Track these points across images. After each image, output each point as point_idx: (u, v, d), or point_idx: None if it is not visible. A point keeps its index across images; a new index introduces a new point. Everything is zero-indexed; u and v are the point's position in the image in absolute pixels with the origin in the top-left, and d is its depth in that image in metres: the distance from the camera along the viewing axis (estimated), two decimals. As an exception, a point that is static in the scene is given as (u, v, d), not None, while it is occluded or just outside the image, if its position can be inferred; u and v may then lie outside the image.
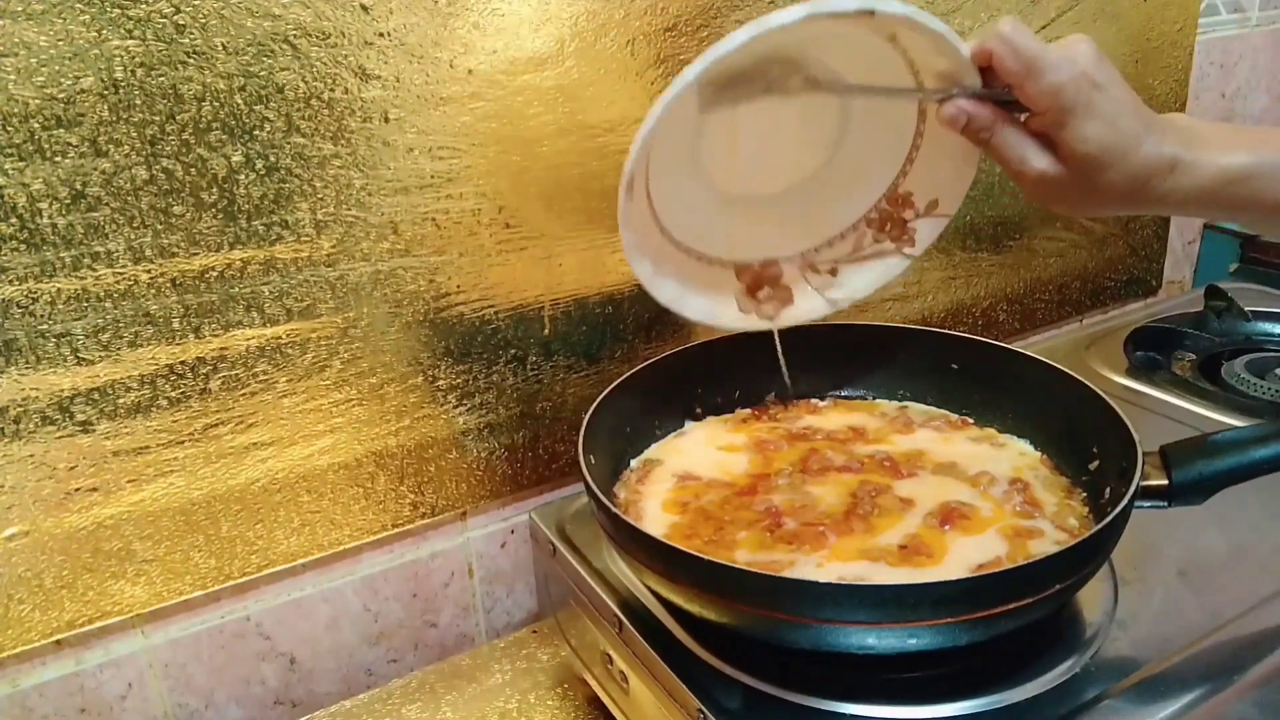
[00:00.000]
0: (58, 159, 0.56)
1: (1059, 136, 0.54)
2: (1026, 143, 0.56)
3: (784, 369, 0.74)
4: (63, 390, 0.60)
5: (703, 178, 0.68)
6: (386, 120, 0.65)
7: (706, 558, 0.54)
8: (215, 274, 0.62)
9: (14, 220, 0.56)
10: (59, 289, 0.58)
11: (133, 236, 0.59)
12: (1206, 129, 0.57)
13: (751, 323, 0.70)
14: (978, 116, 0.56)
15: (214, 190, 0.61)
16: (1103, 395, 0.65)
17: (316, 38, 0.61)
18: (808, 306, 0.71)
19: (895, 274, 0.70)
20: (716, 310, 0.69)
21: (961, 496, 0.65)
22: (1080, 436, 0.66)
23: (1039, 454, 0.70)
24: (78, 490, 0.62)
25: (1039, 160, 0.55)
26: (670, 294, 0.66)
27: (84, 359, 0.60)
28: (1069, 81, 0.52)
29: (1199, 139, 0.55)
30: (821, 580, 0.56)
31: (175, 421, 0.64)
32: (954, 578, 0.54)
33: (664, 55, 0.74)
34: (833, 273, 0.71)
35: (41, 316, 0.58)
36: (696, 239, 0.69)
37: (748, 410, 0.78)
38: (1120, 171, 0.54)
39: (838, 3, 0.53)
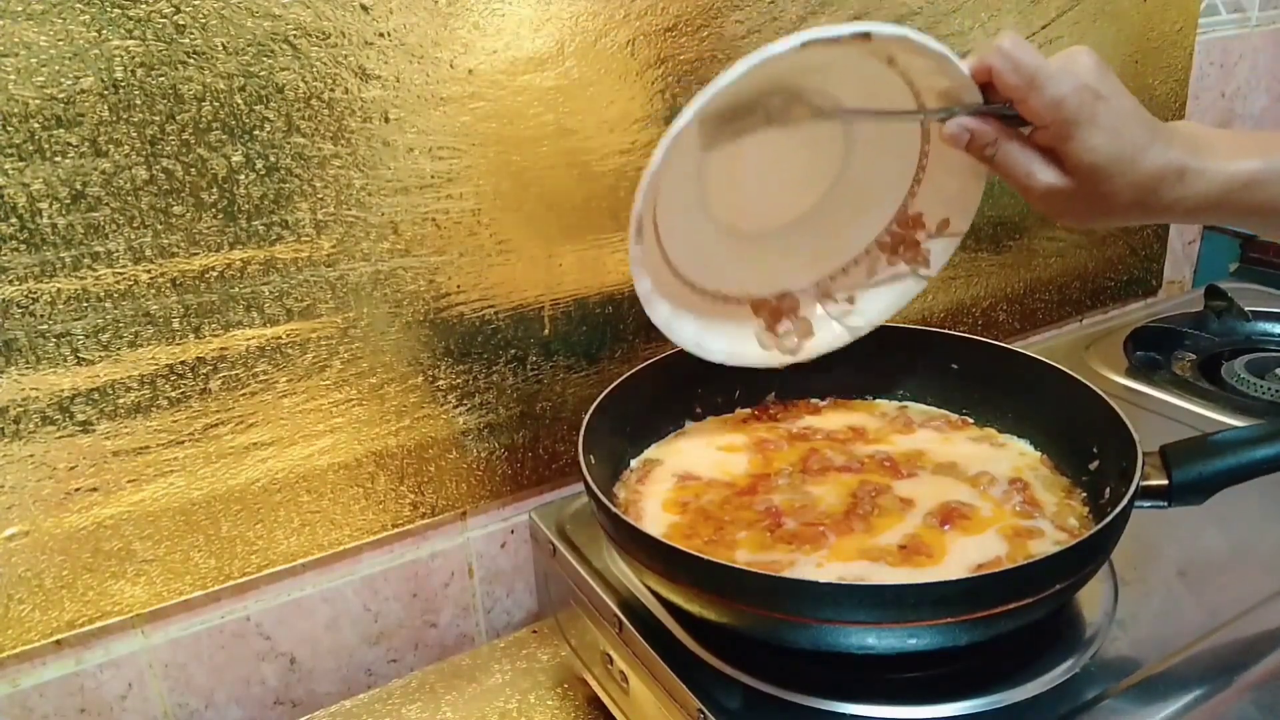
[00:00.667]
0: (58, 159, 0.56)
1: (1064, 149, 0.54)
2: (1032, 156, 0.55)
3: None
4: (63, 390, 0.60)
5: (710, 216, 0.68)
6: (386, 120, 0.65)
7: (706, 558, 0.54)
8: (215, 274, 0.62)
9: (14, 220, 0.56)
10: (59, 289, 0.58)
11: (133, 236, 0.59)
12: (1212, 135, 0.56)
13: (774, 358, 0.71)
14: (981, 133, 0.56)
15: (214, 190, 0.61)
16: (1103, 395, 0.65)
17: (316, 38, 0.61)
18: (828, 336, 0.71)
19: (912, 295, 0.70)
20: (737, 348, 0.70)
21: (961, 496, 0.65)
22: (1080, 436, 0.66)
23: (1039, 454, 0.70)
24: (78, 490, 0.62)
25: (1045, 174, 0.55)
26: (689, 335, 0.67)
27: (84, 359, 0.60)
28: (1071, 94, 0.52)
29: (1205, 146, 0.55)
30: (821, 580, 0.56)
31: (175, 421, 0.64)
32: (954, 578, 0.54)
33: (664, 55, 0.74)
34: (850, 300, 0.72)
35: (41, 316, 0.58)
36: (710, 278, 0.69)
37: (748, 410, 0.78)
38: (1128, 181, 0.54)
39: (833, 29, 0.54)
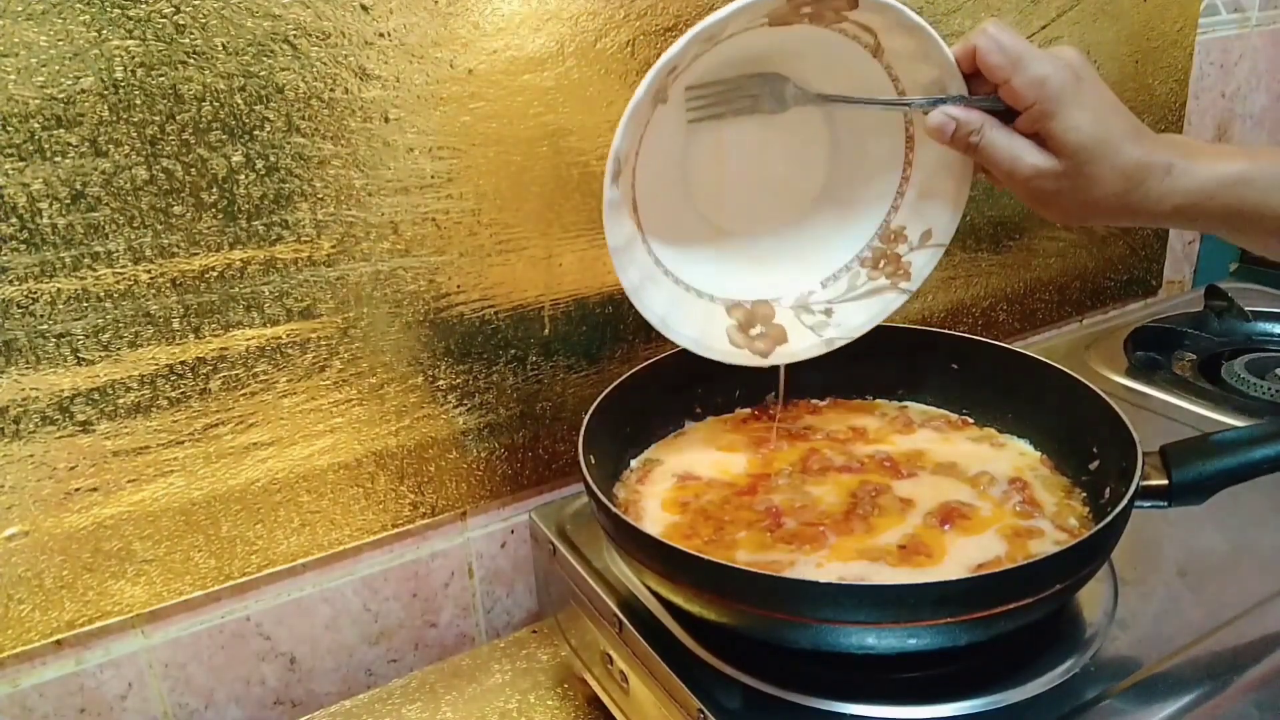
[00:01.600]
0: (58, 159, 0.56)
1: (1048, 128, 0.54)
2: (1017, 140, 0.56)
3: (780, 392, 0.74)
4: (63, 390, 0.60)
5: (693, 208, 0.68)
6: (386, 120, 0.65)
7: (706, 558, 0.54)
8: (215, 274, 0.62)
9: (14, 220, 0.56)
10: (59, 289, 0.58)
11: (133, 236, 0.59)
12: (1198, 143, 0.58)
13: (743, 357, 0.68)
14: (966, 120, 0.56)
15: (214, 190, 0.61)
16: (1103, 395, 0.65)
17: (316, 38, 0.61)
18: (802, 346, 0.69)
19: (893, 309, 0.69)
20: (706, 340, 0.67)
21: (961, 496, 0.65)
22: (1080, 436, 0.66)
23: (1039, 454, 0.70)
24: (78, 490, 0.62)
25: (1031, 155, 0.55)
26: (658, 309, 0.65)
27: (84, 359, 0.60)
28: (1054, 72, 0.53)
29: (1193, 150, 0.56)
30: (821, 580, 0.56)
31: (175, 421, 0.64)
32: (954, 578, 0.54)
33: (664, 55, 0.74)
34: (828, 313, 0.70)
35: (41, 316, 0.58)
36: (686, 271, 0.67)
37: (748, 410, 0.78)
38: (1113, 166, 0.54)
39: None
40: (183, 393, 0.63)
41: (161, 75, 0.57)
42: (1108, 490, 0.61)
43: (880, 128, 0.66)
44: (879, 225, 0.69)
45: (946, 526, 0.62)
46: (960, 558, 0.59)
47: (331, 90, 0.63)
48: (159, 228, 0.60)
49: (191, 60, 0.58)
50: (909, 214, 0.68)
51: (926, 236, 0.67)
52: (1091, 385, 0.66)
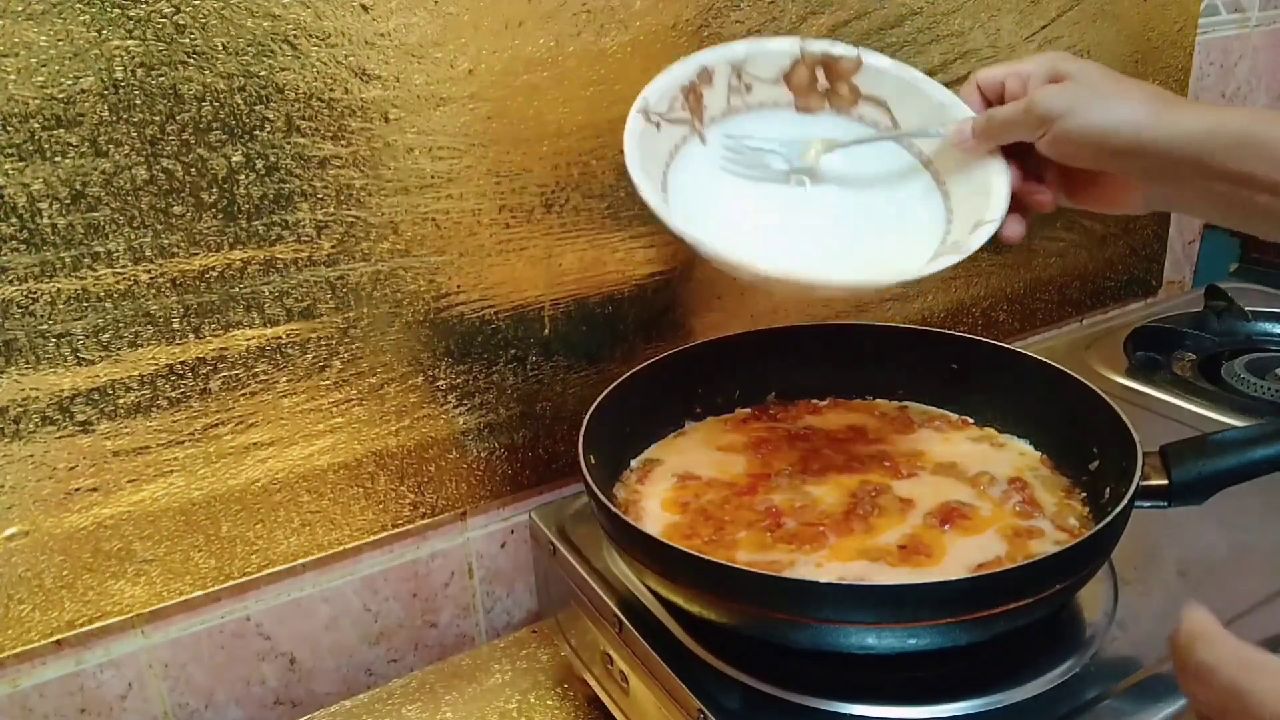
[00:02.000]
0: (58, 159, 0.56)
1: (1057, 70, 0.60)
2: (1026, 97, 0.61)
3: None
4: (63, 390, 0.60)
5: (721, 228, 0.64)
6: (386, 120, 0.65)
7: (706, 558, 0.54)
8: (215, 274, 0.62)
9: (14, 220, 0.56)
10: (59, 289, 0.58)
11: (133, 236, 0.59)
12: None
13: (728, 250, 0.60)
14: (977, 114, 0.63)
15: (214, 190, 0.61)
16: (1103, 395, 0.65)
17: (316, 38, 0.61)
18: (817, 279, 0.62)
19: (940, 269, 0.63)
20: (691, 237, 0.60)
21: (961, 496, 0.65)
22: (1080, 436, 0.66)
23: (1039, 454, 0.70)
24: (78, 490, 0.62)
25: (1043, 87, 0.60)
26: (646, 190, 0.60)
27: (84, 359, 0.60)
28: (1049, 55, 0.62)
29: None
30: (821, 580, 0.56)
31: (175, 421, 0.64)
32: (954, 578, 0.54)
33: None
34: None
35: (41, 316, 0.58)
36: (694, 224, 0.62)
37: (748, 410, 0.78)
38: (1133, 83, 0.59)
39: (839, 46, 0.66)
40: (183, 393, 0.63)
41: (161, 75, 0.57)
42: (1108, 490, 0.61)
43: (918, 202, 0.68)
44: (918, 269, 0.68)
45: (946, 526, 0.62)
46: (960, 558, 0.59)
47: (331, 90, 0.63)
48: (159, 228, 0.60)
49: (191, 60, 0.58)
50: (956, 232, 0.66)
51: (975, 227, 0.63)
52: (1091, 385, 0.66)
